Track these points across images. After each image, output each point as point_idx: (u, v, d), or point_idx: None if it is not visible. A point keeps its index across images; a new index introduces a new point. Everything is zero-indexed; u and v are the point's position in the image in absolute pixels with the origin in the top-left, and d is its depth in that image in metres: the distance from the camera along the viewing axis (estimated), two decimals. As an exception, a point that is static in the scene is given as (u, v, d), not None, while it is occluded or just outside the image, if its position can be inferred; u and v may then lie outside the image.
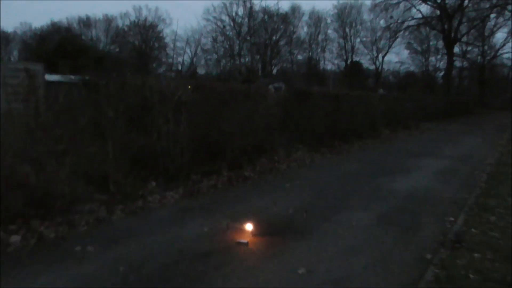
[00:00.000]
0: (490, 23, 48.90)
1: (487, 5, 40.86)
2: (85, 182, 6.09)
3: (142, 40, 52.84)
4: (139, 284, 3.71)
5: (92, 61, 18.32)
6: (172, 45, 51.93)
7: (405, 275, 3.97)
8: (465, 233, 5.05)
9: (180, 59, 52.94)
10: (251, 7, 46.93)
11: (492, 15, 44.52)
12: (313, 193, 7.25)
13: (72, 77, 9.73)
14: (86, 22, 56.09)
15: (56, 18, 66.21)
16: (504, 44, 52.40)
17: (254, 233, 4.98)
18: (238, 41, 49.42)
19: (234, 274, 3.95)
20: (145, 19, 52.78)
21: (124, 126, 6.58)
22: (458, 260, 4.21)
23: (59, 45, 23.68)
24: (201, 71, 51.23)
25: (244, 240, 4.75)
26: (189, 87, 8.04)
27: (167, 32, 52.77)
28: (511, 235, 4.96)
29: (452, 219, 5.80)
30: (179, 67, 51.92)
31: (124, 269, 3.99)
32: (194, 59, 52.31)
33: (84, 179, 6.07)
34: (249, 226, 5.04)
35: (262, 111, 10.49)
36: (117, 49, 52.20)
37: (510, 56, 54.07)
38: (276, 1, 71.50)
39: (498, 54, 54.64)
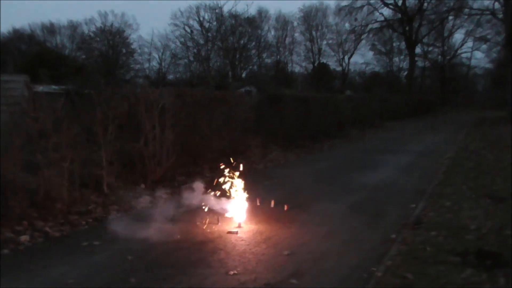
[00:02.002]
0: (449, 25, 51.34)
1: (445, 8, 42.94)
2: (81, 185, 6.58)
3: (108, 46, 52.36)
4: (147, 269, 4.26)
5: (72, 70, 18.51)
6: (139, 51, 51.75)
7: (374, 251, 4.70)
8: (424, 216, 5.85)
9: (148, 64, 52.86)
10: (221, 13, 47.45)
11: (450, 17, 46.82)
12: (290, 188, 7.95)
13: (55, 87, 10.10)
14: (50, 29, 54.94)
15: (17, 25, 64.49)
16: (462, 44, 55.15)
17: (242, 224, 5.61)
18: (207, 46, 49.85)
19: (228, 257, 4.56)
20: (111, 25, 52.36)
21: (114, 132, 7.08)
22: (418, 238, 4.97)
23: (36, 55, 23.63)
24: (170, 76, 51.33)
25: (234, 230, 5.38)
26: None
27: (134, 37, 52.25)
28: (462, 216, 5.78)
29: (413, 205, 6.60)
30: (147, 72, 51.82)
31: (132, 258, 4.54)
32: (163, 64, 52.34)
33: (80, 182, 6.56)
34: (237, 218, 5.66)
35: (238, 115, 11.14)
36: (83, 56, 51.51)
37: (469, 56, 56.77)
38: (245, 5, 72.01)
39: (457, 54, 57.35)
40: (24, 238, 5.15)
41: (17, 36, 49.18)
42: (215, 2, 51.60)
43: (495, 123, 24.90)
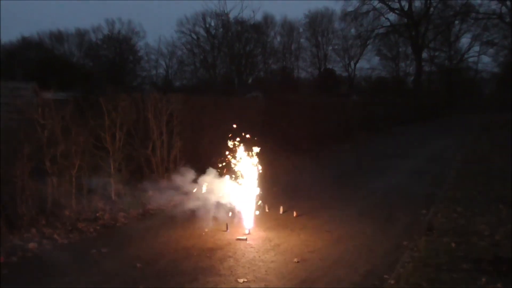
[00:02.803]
0: (455, 29, 51.06)
1: (451, 13, 42.80)
2: (88, 192, 6.57)
3: (116, 54, 52.65)
4: (156, 277, 4.22)
5: (79, 77, 18.62)
6: (146, 58, 51.99)
7: (386, 258, 4.63)
8: (436, 222, 5.76)
9: (155, 71, 53.06)
10: (227, 20, 47.69)
11: (457, 22, 46.60)
12: (298, 194, 7.88)
13: (63, 94, 10.13)
14: (58, 37, 55.32)
15: (26, 33, 65.08)
16: (469, 49, 54.72)
17: (251, 230, 5.56)
18: (213, 52, 50.01)
19: (238, 265, 4.51)
20: (118, 33, 52.68)
21: (122, 139, 7.07)
22: (430, 244, 4.89)
23: (44, 62, 23.83)
24: (177, 83, 51.47)
25: (243, 237, 5.33)
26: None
27: (141, 45, 52.45)
28: (474, 222, 5.70)
29: (424, 211, 6.52)
30: (154, 79, 51.99)
31: (140, 265, 4.50)
32: (170, 71, 52.53)
33: (88, 189, 6.55)
34: (246, 225, 5.61)
35: (244, 120, 11.10)
36: (91, 63, 51.81)
37: (475, 60, 56.37)
38: (251, 11, 72.19)
39: (464, 58, 56.96)
40: (32, 245, 5.13)
41: (26, 44, 49.56)
42: (221, 8, 51.78)
43: (502, 126, 24.65)
